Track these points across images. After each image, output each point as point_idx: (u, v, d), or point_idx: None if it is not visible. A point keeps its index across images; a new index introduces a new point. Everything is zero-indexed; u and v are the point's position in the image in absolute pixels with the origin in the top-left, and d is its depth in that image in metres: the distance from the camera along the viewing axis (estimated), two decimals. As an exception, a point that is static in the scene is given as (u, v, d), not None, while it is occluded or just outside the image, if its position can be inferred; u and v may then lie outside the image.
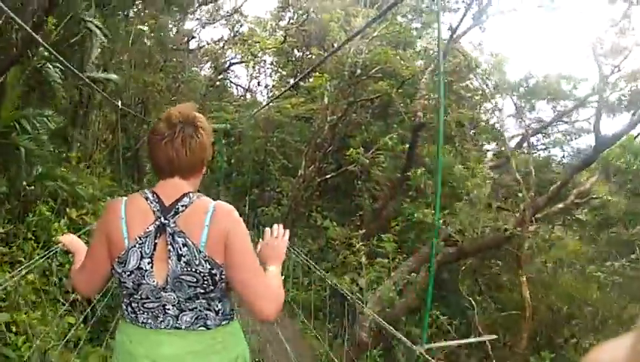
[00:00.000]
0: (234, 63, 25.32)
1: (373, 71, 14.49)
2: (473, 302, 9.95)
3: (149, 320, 1.90)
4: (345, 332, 6.48)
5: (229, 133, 18.19)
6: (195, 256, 1.82)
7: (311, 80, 17.70)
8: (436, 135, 13.74)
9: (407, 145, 10.22)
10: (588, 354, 0.65)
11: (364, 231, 11.14)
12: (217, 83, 26.61)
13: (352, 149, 12.85)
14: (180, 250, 1.82)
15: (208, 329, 1.90)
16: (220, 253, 1.84)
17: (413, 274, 9.08)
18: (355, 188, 14.78)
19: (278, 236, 2.23)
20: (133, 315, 1.93)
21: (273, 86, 24.41)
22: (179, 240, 1.83)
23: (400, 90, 13.88)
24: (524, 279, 9.58)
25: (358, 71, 14.48)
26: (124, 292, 1.92)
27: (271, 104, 17.92)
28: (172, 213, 1.87)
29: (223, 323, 1.94)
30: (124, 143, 18.15)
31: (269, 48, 22.98)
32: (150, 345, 1.88)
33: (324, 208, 14.86)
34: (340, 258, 11.07)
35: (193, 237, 1.83)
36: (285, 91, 17.20)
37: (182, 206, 1.88)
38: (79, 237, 2.63)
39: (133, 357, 1.89)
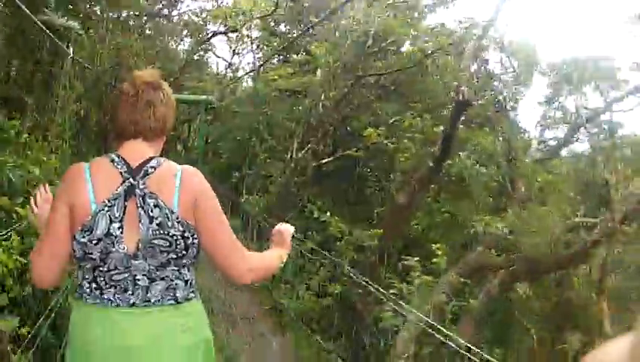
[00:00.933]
0: (217, 33, 22.92)
1: (389, 42, 12.52)
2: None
3: (117, 296, 1.77)
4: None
5: (210, 107, 16.10)
6: (168, 218, 1.76)
7: (303, 53, 15.78)
8: (480, 117, 12.27)
9: (443, 129, 8.32)
10: (588, 354, 0.64)
11: (381, 231, 9.14)
12: (197, 57, 24.46)
13: (370, 130, 10.76)
14: (152, 211, 1.76)
15: (178, 303, 1.81)
16: (192, 215, 1.80)
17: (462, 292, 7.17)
18: (363, 176, 12.82)
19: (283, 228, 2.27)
20: (97, 292, 1.79)
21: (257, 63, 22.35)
22: (150, 201, 1.77)
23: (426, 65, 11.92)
24: (605, 306, 7.75)
25: (370, 41, 12.45)
26: (88, 266, 1.79)
27: (256, 77, 15.83)
28: (141, 174, 1.82)
29: (190, 295, 1.86)
30: (93, 114, 15.91)
31: (256, 18, 20.69)
32: (112, 331, 1.75)
33: (321, 199, 12.83)
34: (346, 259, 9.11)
35: (165, 199, 1.77)
36: (273, 55, 15.06)
37: (151, 167, 1.84)
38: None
39: (89, 345, 1.77)
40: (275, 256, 2.12)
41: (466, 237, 9.66)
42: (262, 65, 15.54)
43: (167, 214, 1.76)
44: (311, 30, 11.61)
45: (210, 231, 1.83)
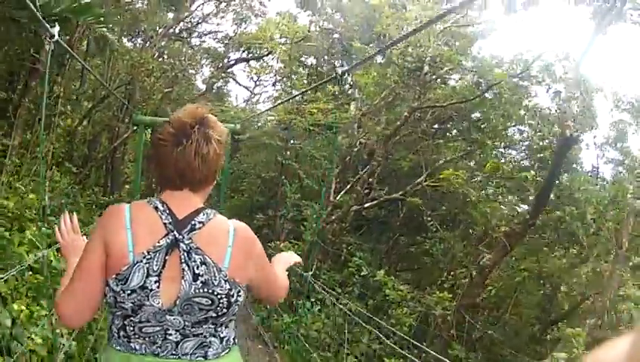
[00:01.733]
0: (239, 61, 21.23)
1: (446, 70, 10.74)
2: None
3: (144, 346, 1.67)
4: None
5: (236, 137, 14.34)
6: (215, 276, 1.66)
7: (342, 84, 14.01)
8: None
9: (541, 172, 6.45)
10: (588, 354, 0.63)
11: (456, 302, 7.16)
12: (218, 83, 22.86)
13: (447, 171, 8.84)
14: (197, 268, 1.65)
15: (206, 359, 1.71)
16: (242, 275, 1.73)
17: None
18: (415, 225, 10.84)
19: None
20: (124, 339, 1.68)
21: (278, 97, 20.66)
22: (196, 257, 1.66)
23: (489, 97, 10.10)
24: None
25: (426, 68, 10.65)
26: (118, 313, 1.67)
27: (286, 108, 14.08)
28: (188, 228, 1.69)
29: (223, 353, 1.75)
30: (99, 138, 14.18)
31: (283, 45, 18.99)
32: None
33: (364, 249, 10.83)
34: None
35: (213, 256, 1.68)
36: (309, 89, 13.38)
37: (199, 222, 1.71)
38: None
39: None
40: (285, 275, 2.18)
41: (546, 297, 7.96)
42: (294, 96, 13.71)
43: (214, 272, 1.66)
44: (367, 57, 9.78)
45: (264, 284, 1.88)
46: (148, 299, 1.63)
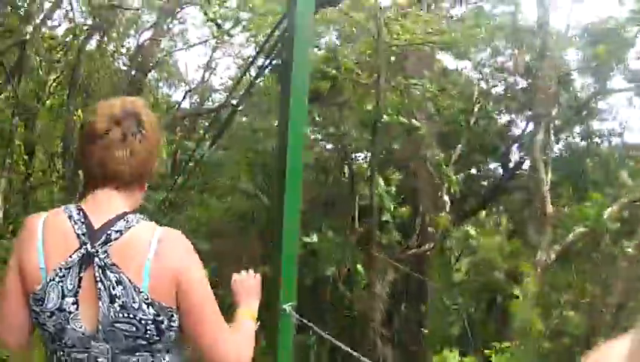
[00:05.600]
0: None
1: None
2: None
3: None
4: None
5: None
6: (134, 299, 1.42)
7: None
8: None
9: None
10: (587, 354, 0.65)
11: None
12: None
13: None
14: (113, 289, 1.42)
15: None
16: (169, 295, 1.44)
17: None
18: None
19: (249, 276, 1.94)
20: None
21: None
22: (111, 276, 1.43)
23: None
24: None
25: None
26: (46, 336, 1.50)
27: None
28: (102, 239, 1.46)
29: None
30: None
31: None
32: None
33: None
34: None
35: (131, 274, 1.42)
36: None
37: (116, 231, 1.47)
38: None
39: None
40: (251, 325, 1.73)
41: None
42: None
43: (132, 293, 1.42)
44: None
45: (193, 315, 1.48)
46: (69, 323, 1.44)
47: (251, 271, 1.95)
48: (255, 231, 10.87)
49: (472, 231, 7.45)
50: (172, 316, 1.44)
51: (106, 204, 1.52)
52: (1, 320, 1.56)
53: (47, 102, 14.64)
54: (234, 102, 9.42)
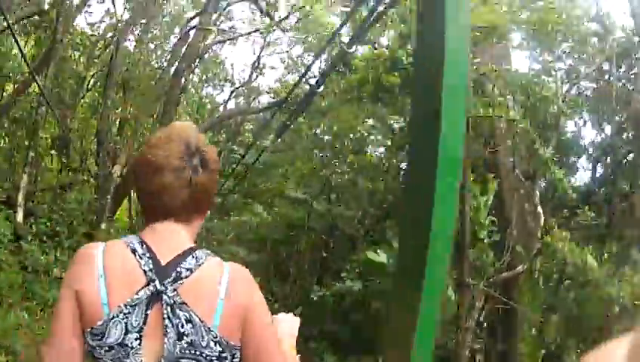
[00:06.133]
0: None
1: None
2: None
3: None
4: None
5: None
6: (203, 337, 1.38)
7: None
8: None
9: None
10: (586, 355, 0.63)
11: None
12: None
13: None
14: (182, 327, 1.38)
15: None
16: (235, 332, 1.43)
17: None
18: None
19: (290, 318, 1.81)
20: None
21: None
22: (181, 314, 1.38)
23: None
24: None
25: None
26: None
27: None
28: (172, 277, 1.40)
29: None
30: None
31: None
32: None
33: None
34: None
35: (201, 313, 1.39)
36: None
37: (186, 269, 1.41)
38: None
39: None
40: (293, 353, 1.71)
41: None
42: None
43: (202, 333, 1.38)
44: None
45: (258, 350, 1.46)
46: (128, 357, 1.39)
47: (291, 314, 1.83)
48: (306, 241, 9.82)
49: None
50: (236, 353, 1.43)
51: (170, 237, 1.48)
52: (50, 347, 1.46)
53: (85, 98, 13.98)
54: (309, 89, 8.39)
